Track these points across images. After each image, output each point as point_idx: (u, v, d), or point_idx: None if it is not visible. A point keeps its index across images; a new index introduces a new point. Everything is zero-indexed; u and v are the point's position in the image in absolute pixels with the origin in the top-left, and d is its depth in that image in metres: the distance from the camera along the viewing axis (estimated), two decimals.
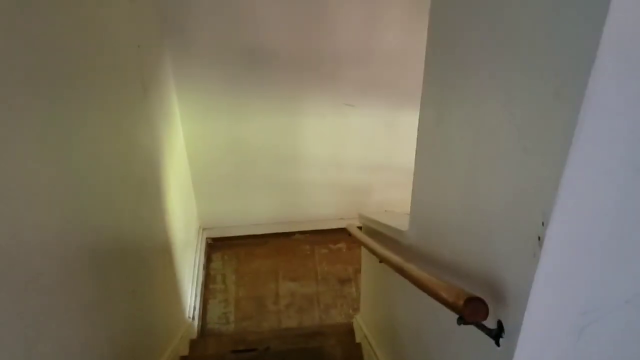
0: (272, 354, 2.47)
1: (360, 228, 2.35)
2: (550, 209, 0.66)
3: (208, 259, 3.67)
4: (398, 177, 3.89)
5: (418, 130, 1.31)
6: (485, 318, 0.76)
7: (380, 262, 1.67)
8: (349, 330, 2.81)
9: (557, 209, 0.65)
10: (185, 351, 2.65)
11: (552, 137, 0.65)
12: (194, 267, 3.27)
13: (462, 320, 0.78)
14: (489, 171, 0.86)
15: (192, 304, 3.06)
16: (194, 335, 2.94)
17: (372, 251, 1.69)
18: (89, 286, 1.37)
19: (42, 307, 1.09)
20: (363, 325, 2.55)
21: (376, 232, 2.01)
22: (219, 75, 3.17)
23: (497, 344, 0.81)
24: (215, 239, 3.85)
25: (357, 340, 2.63)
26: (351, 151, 3.72)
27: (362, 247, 2.61)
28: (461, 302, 0.76)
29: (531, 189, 0.71)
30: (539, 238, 0.69)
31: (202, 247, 3.66)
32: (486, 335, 0.83)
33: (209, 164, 3.53)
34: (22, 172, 1.03)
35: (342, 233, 3.98)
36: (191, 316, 2.96)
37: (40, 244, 1.09)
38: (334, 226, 3.99)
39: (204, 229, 3.80)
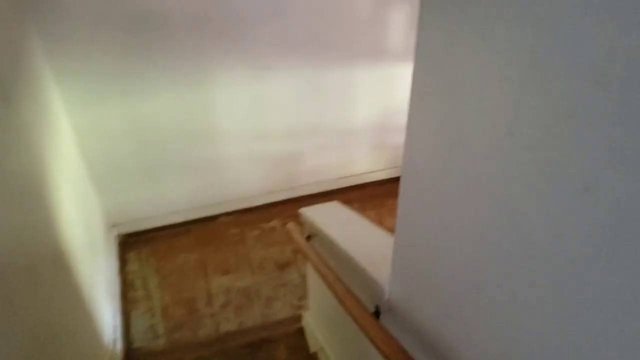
0: None
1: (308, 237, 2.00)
2: None
3: (123, 261, 3.19)
4: (330, 139, 3.63)
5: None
6: None
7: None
8: (298, 331, 2.56)
9: None
10: None
11: None
12: (107, 274, 2.80)
13: None
14: None
15: (113, 323, 2.63)
16: None
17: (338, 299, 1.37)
18: None
19: None
20: (316, 329, 2.29)
21: (332, 251, 1.69)
22: (105, 49, 2.58)
23: None
24: (129, 235, 3.36)
25: (312, 349, 2.38)
26: (275, 118, 3.32)
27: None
28: None
29: None
30: None
31: (114, 247, 3.17)
32: None
33: (108, 153, 2.97)
34: None
35: (273, 209, 3.66)
36: (114, 338, 2.54)
37: None
38: (263, 201, 3.66)
39: (113, 226, 3.29)
